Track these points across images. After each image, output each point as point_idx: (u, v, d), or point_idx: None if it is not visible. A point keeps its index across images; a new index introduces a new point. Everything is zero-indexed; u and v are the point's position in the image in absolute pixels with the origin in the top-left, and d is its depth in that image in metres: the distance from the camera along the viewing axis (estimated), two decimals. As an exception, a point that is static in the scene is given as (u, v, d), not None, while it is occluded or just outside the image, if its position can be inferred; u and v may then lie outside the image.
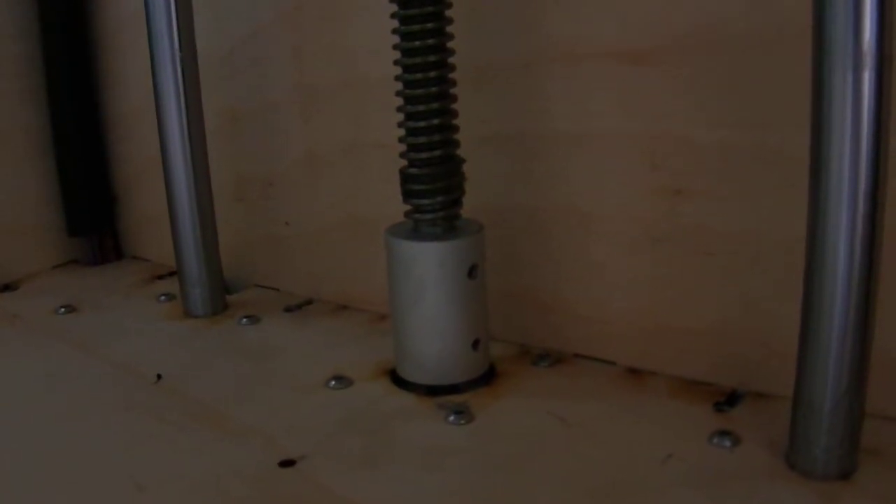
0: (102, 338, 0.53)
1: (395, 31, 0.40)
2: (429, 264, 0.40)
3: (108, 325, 0.55)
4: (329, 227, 0.56)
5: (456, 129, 0.41)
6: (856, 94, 0.28)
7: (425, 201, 0.41)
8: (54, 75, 0.66)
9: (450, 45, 0.41)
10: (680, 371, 0.42)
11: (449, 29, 0.40)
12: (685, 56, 0.39)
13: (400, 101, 0.41)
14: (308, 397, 0.43)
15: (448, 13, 0.40)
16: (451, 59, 0.41)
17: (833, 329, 0.30)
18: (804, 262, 0.31)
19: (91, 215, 0.70)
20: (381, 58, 0.44)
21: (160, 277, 0.65)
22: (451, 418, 0.39)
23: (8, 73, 0.65)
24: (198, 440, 0.39)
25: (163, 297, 0.60)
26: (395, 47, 0.41)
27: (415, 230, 0.42)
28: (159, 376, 0.46)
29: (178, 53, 0.52)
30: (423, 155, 0.41)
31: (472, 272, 0.41)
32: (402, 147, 0.42)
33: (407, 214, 0.42)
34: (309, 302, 0.58)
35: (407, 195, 0.41)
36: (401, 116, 0.41)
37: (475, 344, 0.42)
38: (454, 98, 0.41)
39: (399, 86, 0.41)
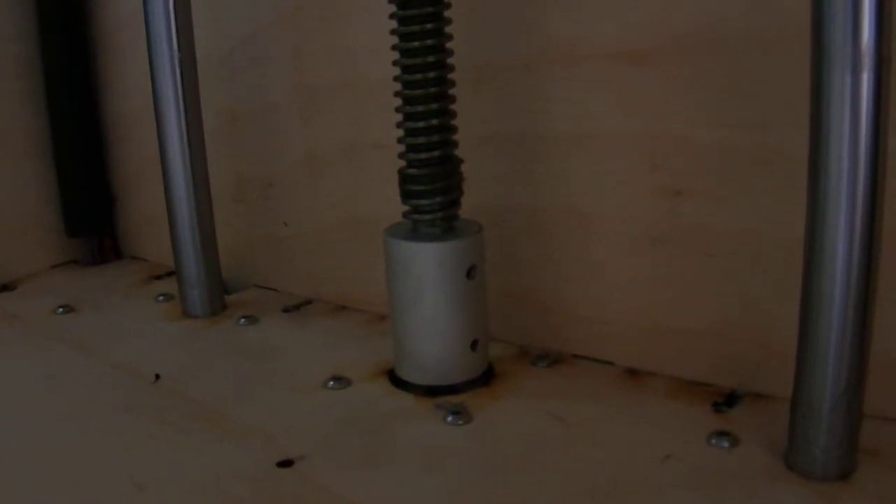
0: (101, 338, 0.53)
1: (394, 32, 0.40)
2: (427, 265, 0.40)
3: (107, 325, 0.55)
4: (328, 228, 0.56)
5: (455, 129, 0.41)
6: (854, 95, 0.28)
7: (424, 202, 0.41)
8: (53, 76, 0.66)
9: (449, 45, 0.41)
10: (679, 372, 0.42)
11: (448, 29, 0.40)
12: (685, 56, 0.39)
13: (399, 102, 0.41)
14: (307, 397, 0.43)
15: (447, 13, 0.40)
16: (450, 60, 0.41)
17: (832, 329, 0.30)
18: (803, 262, 0.31)
19: (90, 215, 0.70)
20: (380, 58, 0.44)
21: (159, 278, 0.65)
22: (450, 419, 0.39)
23: (7, 74, 0.65)
24: (197, 440, 0.39)
25: (161, 298, 0.60)
26: (394, 48, 0.41)
27: (413, 231, 0.42)
28: (158, 376, 0.46)
29: (176, 54, 0.52)
30: (422, 155, 0.41)
31: (470, 273, 0.41)
32: (402, 147, 0.42)
33: (406, 215, 0.42)
34: (308, 302, 0.58)
35: (406, 196, 0.41)
36: (400, 117, 0.41)
37: (473, 344, 0.42)
38: (453, 98, 0.41)
39: (398, 86, 0.41)
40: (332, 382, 0.44)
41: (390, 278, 0.42)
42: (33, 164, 0.67)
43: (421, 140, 0.40)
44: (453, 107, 0.41)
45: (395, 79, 0.41)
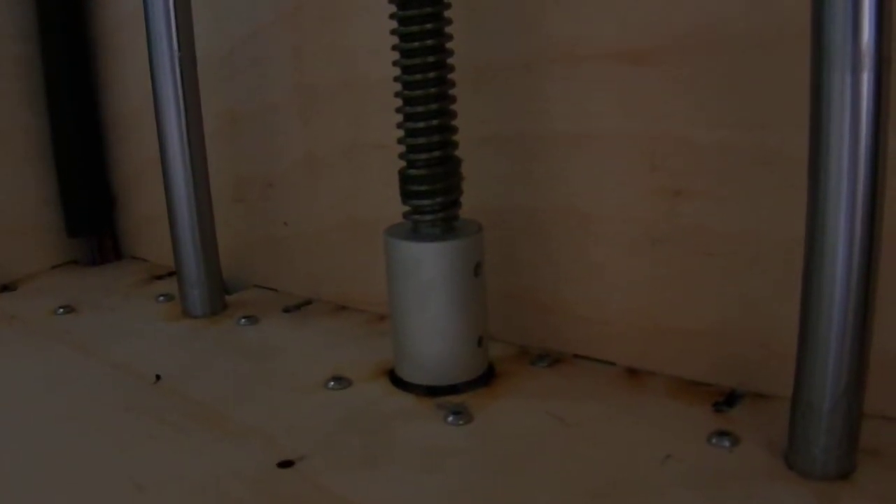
0: (101, 338, 0.53)
1: (394, 32, 0.40)
2: (438, 264, 0.40)
3: (107, 325, 0.55)
4: (328, 228, 0.56)
5: (455, 129, 0.41)
6: (854, 95, 0.28)
7: (425, 202, 0.41)
8: (53, 76, 0.66)
9: (449, 45, 0.41)
10: (679, 371, 0.42)
11: (448, 29, 0.40)
12: (685, 56, 0.39)
13: (399, 102, 0.41)
14: (307, 398, 0.43)
15: (447, 13, 0.40)
16: (450, 60, 0.41)
17: (832, 329, 0.30)
18: (803, 263, 0.31)
19: (90, 216, 0.70)
20: (380, 58, 0.44)
21: (159, 278, 0.65)
22: (450, 419, 0.39)
23: (7, 74, 0.65)
24: (197, 441, 0.39)
25: (162, 298, 0.60)
26: (394, 48, 0.41)
27: (414, 231, 0.42)
28: (158, 377, 0.46)
29: (176, 54, 0.52)
30: (423, 156, 0.41)
31: (476, 270, 0.41)
32: (402, 148, 0.42)
33: (406, 215, 0.42)
34: (308, 302, 0.58)
35: (406, 196, 0.41)
36: (400, 117, 0.41)
37: (480, 341, 0.42)
38: (453, 99, 0.41)
39: (398, 86, 0.41)
40: (332, 382, 0.44)
41: (392, 279, 0.42)
42: (33, 165, 0.67)
43: (421, 140, 0.40)
44: (453, 107, 0.41)
45: (396, 79, 0.41)
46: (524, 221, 0.46)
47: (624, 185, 0.42)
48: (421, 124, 0.40)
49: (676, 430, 0.37)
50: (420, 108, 0.40)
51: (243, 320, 0.54)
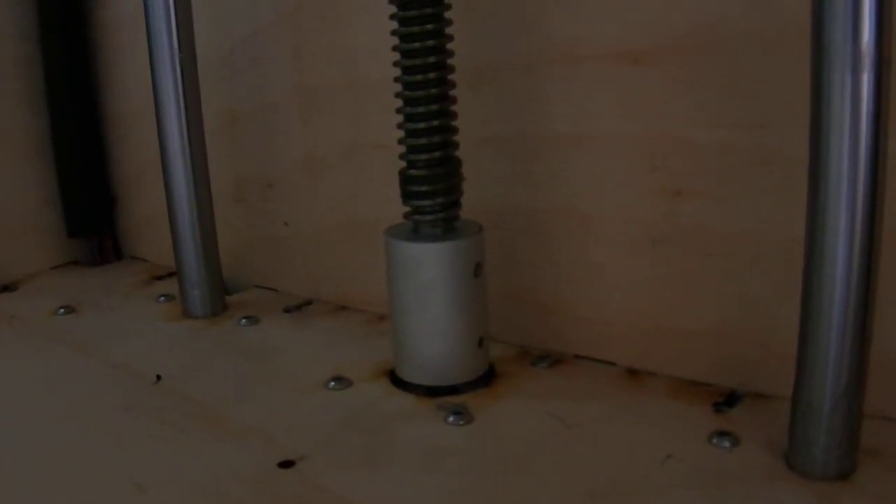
0: (102, 339, 0.53)
1: (394, 33, 0.40)
2: (439, 265, 0.41)
3: (107, 325, 0.55)
4: (328, 228, 0.56)
5: (456, 130, 0.41)
6: (855, 95, 0.28)
7: (426, 202, 0.41)
8: (54, 76, 0.66)
9: (449, 46, 0.41)
10: (679, 372, 0.42)
11: (448, 30, 0.40)
12: (685, 56, 0.39)
13: (399, 103, 0.41)
14: (307, 398, 0.43)
15: (447, 14, 0.40)
16: (450, 61, 0.41)
17: (832, 329, 0.30)
18: (803, 263, 0.31)
19: (90, 216, 0.70)
20: (380, 59, 0.44)
21: (159, 278, 0.65)
22: (451, 419, 0.39)
23: (7, 74, 0.65)
24: (197, 441, 0.39)
25: (162, 298, 0.60)
26: (394, 48, 0.41)
27: (415, 231, 0.42)
28: (159, 377, 0.46)
29: (177, 54, 0.52)
30: (423, 156, 0.41)
31: (477, 270, 0.41)
32: (402, 148, 0.42)
33: (406, 216, 0.42)
34: (308, 303, 0.58)
35: (407, 196, 0.41)
36: (400, 118, 0.41)
37: (480, 342, 0.42)
38: (454, 99, 0.41)
39: (398, 87, 0.41)
40: (332, 383, 0.44)
41: (393, 279, 0.42)
42: (33, 165, 0.68)
43: (422, 141, 0.40)
44: (454, 107, 0.41)
45: (396, 80, 0.41)
46: (524, 222, 0.46)
47: (624, 186, 0.42)
48: (421, 125, 0.40)
49: (677, 431, 0.37)
50: (421, 109, 0.40)
51: (244, 320, 0.54)
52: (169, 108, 0.52)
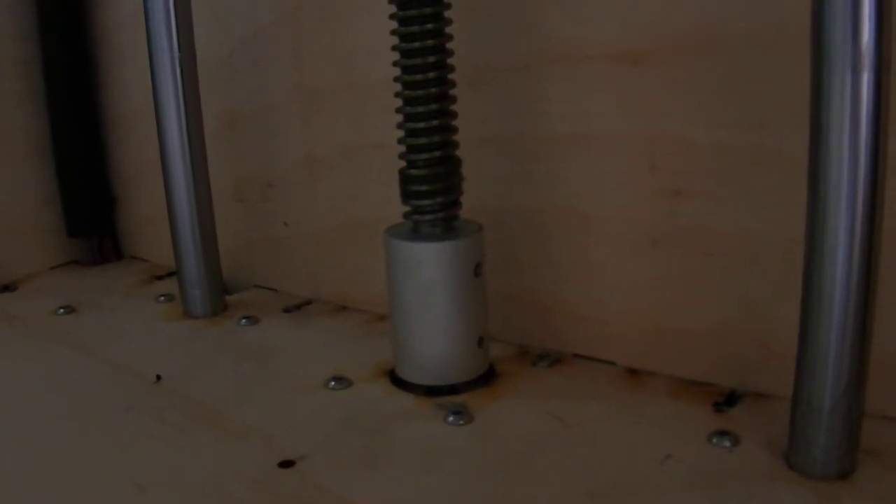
0: (102, 338, 0.53)
1: (394, 32, 0.40)
2: (439, 264, 0.41)
3: (107, 325, 0.55)
4: (328, 229, 0.56)
5: (455, 129, 0.41)
6: (854, 95, 0.28)
7: (426, 202, 0.41)
8: (53, 76, 0.66)
9: (449, 45, 0.41)
10: (679, 371, 0.42)
11: (448, 30, 0.40)
12: (685, 56, 0.39)
13: (399, 102, 0.41)
14: (307, 398, 0.43)
15: (447, 14, 0.40)
16: (450, 60, 0.41)
17: (832, 329, 0.30)
18: (803, 263, 0.31)
19: (90, 216, 0.70)
20: (380, 59, 0.44)
21: (159, 278, 0.65)
22: (451, 419, 0.39)
23: (7, 74, 0.65)
24: (197, 441, 0.39)
25: (162, 298, 0.60)
26: (394, 48, 0.41)
27: (415, 231, 0.42)
28: (159, 377, 0.46)
29: (177, 54, 0.52)
30: (423, 156, 0.41)
31: (477, 270, 0.41)
32: (402, 148, 0.42)
33: (406, 215, 0.42)
34: (308, 303, 0.58)
35: (407, 196, 0.41)
36: (400, 117, 0.41)
37: (480, 341, 0.42)
38: (454, 99, 0.41)
39: (398, 86, 0.41)
40: (332, 383, 0.44)
41: (393, 279, 0.42)
42: (33, 165, 0.68)
43: (422, 140, 0.40)
44: (453, 107, 0.41)
45: (396, 79, 0.41)
46: (524, 222, 0.46)
47: (624, 186, 0.42)
48: (421, 124, 0.40)
49: (677, 430, 0.37)
50: (420, 109, 0.40)
51: (244, 320, 0.54)
52: (169, 108, 0.52)
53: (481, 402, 0.41)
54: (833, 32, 0.28)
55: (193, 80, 0.53)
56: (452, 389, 0.42)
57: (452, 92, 0.41)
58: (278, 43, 0.55)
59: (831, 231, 0.29)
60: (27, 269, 0.68)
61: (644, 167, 0.41)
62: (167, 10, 0.51)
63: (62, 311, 0.58)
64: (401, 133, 0.41)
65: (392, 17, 0.40)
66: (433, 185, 0.41)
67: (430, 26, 0.39)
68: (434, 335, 0.42)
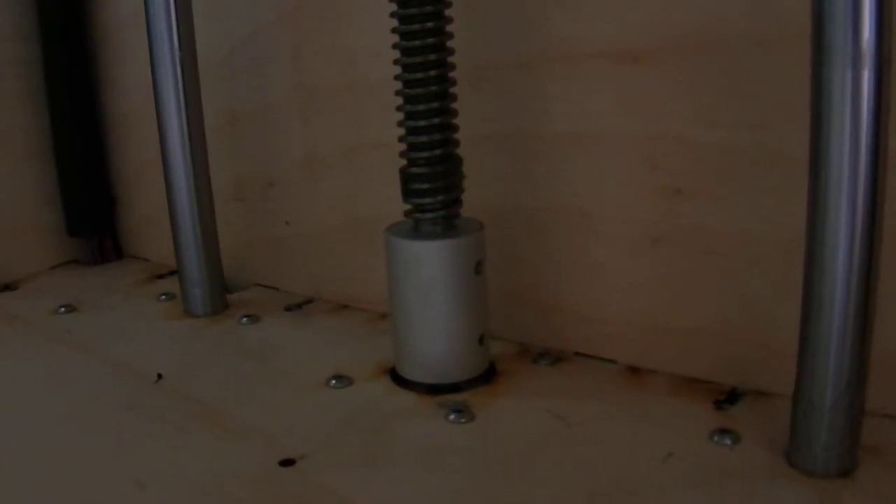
0: (102, 338, 0.53)
1: (394, 31, 0.40)
2: (440, 263, 0.41)
3: (108, 324, 0.55)
4: (329, 227, 0.56)
5: (456, 128, 0.41)
6: (855, 93, 0.28)
7: (427, 200, 0.41)
8: (54, 76, 0.66)
9: (449, 44, 0.41)
10: (680, 370, 0.42)
11: (449, 28, 0.40)
12: (685, 56, 0.39)
13: (400, 101, 0.41)
14: (308, 396, 0.43)
15: (448, 12, 0.40)
16: (450, 58, 0.41)
17: (833, 327, 0.30)
18: (804, 261, 0.31)
19: (91, 215, 0.70)
20: (380, 58, 0.44)
21: (160, 277, 0.65)
22: (452, 417, 0.39)
23: (7, 74, 0.65)
24: (198, 440, 0.39)
25: (163, 297, 0.60)
26: (394, 47, 0.41)
27: (415, 229, 0.42)
28: (160, 376, 0.46)
29: (177, 54, 0.52)
30: (424, 154, 0.41)
31: (478, 268, 0.41)
32: (402, 147, 0.42)
33: (407, 214, 0.42)
34: (309, 301, 0.58)
35: (408, 194, 0.42)
36: (400, 116, 0.41)
37: (481, 339, 0.42)
38: (454, 97, 0.41)
39: (399, 85, 0.41)
40: (333, 381, 0.44)
41: (394, 277, 0.42)
42: (34, 165, 0.68)
43: (423, 139, 0.41)
44: (454, 105, 0.41)
45: (396, 77, 0.41)
46: (525, 220, 0.46)
47: (624, 185, 0.42)
48: (422, 122, 0.40)
49: (678, 428, 0.37)
50: (421, 107, 0.40)
51: (244, 319, 0.54)
52: (169, 107, 0.52)
53: (482, 400, 0.41)
54: (833, 31, 0.28)
55: (194, 80, 0.53)
56: (453, 388, 0.42)
57: (453, 90, 0.41)
58: (278, 42, 0.55)
59: (832, 229, 0.29)
60: (28, 268, 0.68)
61: (644, 166, 0.41)
62: (167, 10, 0.51)
63: (63, 310, 0.58)
64: (401, 131, 0.41)
65: (392, 15, 0.40)
66: (434, 183, 0.41)
67: (430, 24, 0.39)
68: (435, 333, 0.42)
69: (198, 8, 0.53)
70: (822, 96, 0.29)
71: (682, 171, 0.40)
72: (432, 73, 0.40)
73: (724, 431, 0.36)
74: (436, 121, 0.40)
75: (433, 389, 0.42)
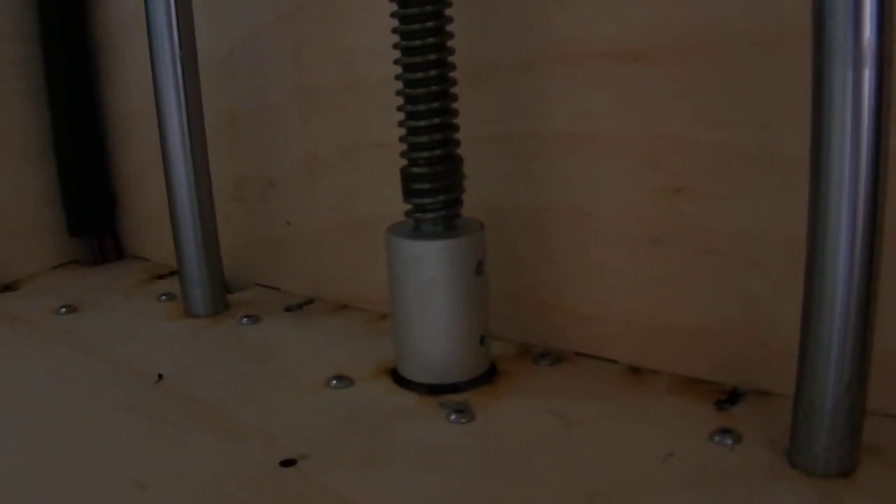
0: (103, 338, 0.53)
1: (395, 31, 0.40)
2: (441, 263, 0.41)
3: (108, 325, 0.55)
4: (329, 227, 0.56)
5: (456, 127, 0.41)
6: (856, 92, 0.28)
7: (427, 200, 0.41)
8: (54, 77, 0.66)
9: (450, 43, 0.41)
10: (681, 370, 0.42)
11: (449, 28, 0.40)
12: (685, 56, 0.39)
13: (400, 101, 0.41)
14: (309, 397, 0.43)
15: (448, 12, 0.40)
16: (451, 58, 0.41)
17: (834, 328, 0.30)
18: (805, 261, 0.31)
19: (91, 215, 0.70)
20: (380, 58, 0.44)
21: (161, 277, 0.65)
22: (452, 417, 0.39)
23: (8, 74, 0.65)
24: (198, 440, 0.39)
25: (163, 297, 0.60)
26: (395, 46, 0.41)
27: (416, 229, 0.42)
28: (161, 376, 0.46)
29: (178, 53, 0.52)
30: (425, 154, 0.41)
31: (478, 268, 0.41)
32: (403, 147, 0.42)
33: (408, 214, 0.42)
34: (310, 301, 0.58)
35: (408, 194, 0.42)
36: (401, 116, 0.41)
37: (481, 340, 0.42)
38: (455, 97, 0.41)
39: (399, 85, 0.41)
40: (334, 381, 0.44)
41: (394, 277, 0.42)
42: (34, 165, 0.68)
43: (423, 139, 0.41)
44: (455, 105, 0.41)
45: (397, 77, 0.41)
46: (525, 220, 0.46)
47: (624, 185, 0.42)
48: (423, 122, 0.40)
49: (678, 428, 0.37)
50: (422, 107, 0.40)
51: (245, 319, 0.54)
52: (170, 107, 0.52)
53: (483, 400, 0.41)
54: (834, 30, 0.28)
55: (194, 79, 0.53)
56: (454, 388, 0.42)
57: (453, 90, 0.41)
58: (279, 42, 0.55)
59: (833, 229, 0.29)
60: (28, 268, 0.68)
61: (645, 166, 0.41)
62: (168, 10, 0.51)
63: (63, 310, 0.58)
64: (402, 132, 0.41)
65: (393, 15, 0.40)
66: (434, 183, 0.41)
67: (430, 24, 0.39)
68: (435, 334, 0.42)
69: (198, 8, 0.53)
70: (822, 95, 0.29)
71: (682, 170, 0.40)
72: (433, 72, 0.40)
73: (724, 431, 0.36)
74: (436, 121, 0.40)
75: (434, 390, 0.42)
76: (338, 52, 0.52)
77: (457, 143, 0.42)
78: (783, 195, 0.37)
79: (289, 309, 0.56)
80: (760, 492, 0.32)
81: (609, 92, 0.42)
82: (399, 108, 0.41)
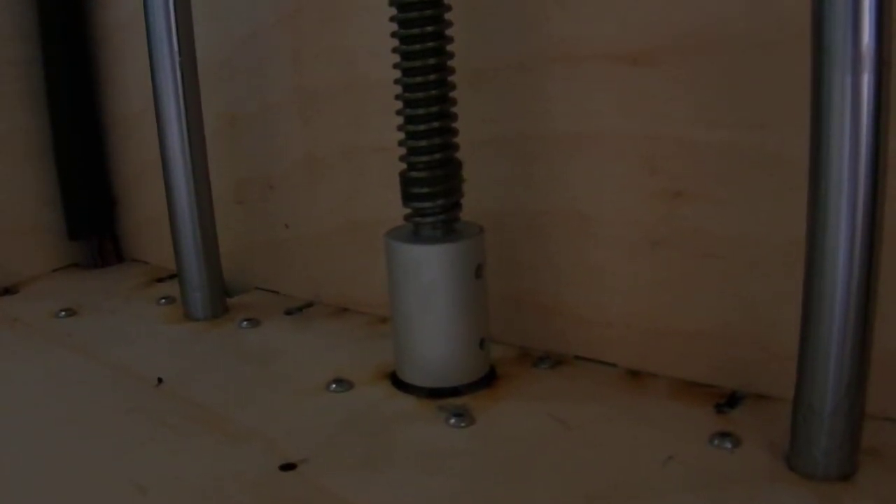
0: (103, 341, 0.53)
1: (394, 35, 0.40)
2: (440, 266, 0.41)
3: (108, 328, 0.55)
4: (329, 231, 0.56)
5: (456, 131, 0.41)
6: (855, 96, 0.28)
7: (426, 204, 0.41)
8: (54, 78, 0.66)
9: (449, 47, 0.41)
10: (680, 373, 0.42)
11: (448, 32, 0.40)
12: (685, 56, 0.39)
13: (399, 105, 0.41)
14: (309, 400, 0.43)
15: (447, 15, 0.40)
16: (450, 61, 0.41)
17: (833, 331, 0.30)
18: (804, 265, 0.31)
19: (91, 218, 0.70)
20: (380, 60, 0.44)
21: (160, 280, 0.65)
22: (452, 421, 0.39)
23: (7, 76, 0.65)
24: (198, 444, 0.39)
25: (163, 301, 0.60)
26: (394, 50, 0.40)
27: (415, 233, 0.42)
28: (160, 380, 0.46)
29: (177, 56, 0.52)
30: (424, 158, 0.41)
31: (478, 272, 0.41)
32: (402, 150, 0.42)
33: (407, 217, 0.42)
34: (309, 305, 0.58)
35: (407, 198, 0.41)
36: (400, 120, 0.41)
37: (481, 343, 0.42)
38: (454, 101, 0.41)
39: (398, 89, 0.41)
40: (333, 385, 0.44)
41: (394, 281, 0.42)
42: (34, 166, 0.67)
43: (422, 143, 0.40)
44: (454, 109, 0.41)
45: (396, 81, 0.41)
46: (525, 224, 0.46)
47: (624, 188, 0.42)
48: (422, 126, 0.40)
49: (678, 432, 0.37)
50: (421, 111, 0.40)
51: (244, 323, 0.54)
52: (169, 109, 0.52)
53: (482, 404, 0.41)
54: (833, 33, 0.28)
55: (194, 81, 0.53)
56: (454, 391, 0.42)
57: (453, 94, 0.41)
58: (278, 44, 0.55)
59: (832, 232, 0.29)
60: (28, 271, 0.68)
61: (644, 169, 0.41)
62: (167, 11, 0.51)
63: (63, 313, 0.58)
64: (401, 135, 0.41)
65: (392, 19, 0.40)
66: (434, 187, 0.41)
67: (430, 28, 0.39)
68: (435, 337, 0.42)
69: (197, 9, 0.53)
70: (821, 98, 0.29)
71: (681, 173, 0.40)
72: (432, 76, 0.40)
73: (724, 435, 0.36)
74: (435, 125, 0.40)
75: (433, 393, 0.42)
76: (338, 54, 0.52)
77: (456, 147, 0.42)
78: (783, 198, 0.37)
79: (288, 312, 0.56)
80: (760, 495, 0.32)
81: (609, 92, 0.42)
82: (398, 112, 0.41)
